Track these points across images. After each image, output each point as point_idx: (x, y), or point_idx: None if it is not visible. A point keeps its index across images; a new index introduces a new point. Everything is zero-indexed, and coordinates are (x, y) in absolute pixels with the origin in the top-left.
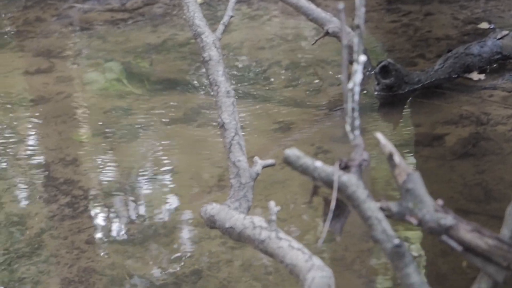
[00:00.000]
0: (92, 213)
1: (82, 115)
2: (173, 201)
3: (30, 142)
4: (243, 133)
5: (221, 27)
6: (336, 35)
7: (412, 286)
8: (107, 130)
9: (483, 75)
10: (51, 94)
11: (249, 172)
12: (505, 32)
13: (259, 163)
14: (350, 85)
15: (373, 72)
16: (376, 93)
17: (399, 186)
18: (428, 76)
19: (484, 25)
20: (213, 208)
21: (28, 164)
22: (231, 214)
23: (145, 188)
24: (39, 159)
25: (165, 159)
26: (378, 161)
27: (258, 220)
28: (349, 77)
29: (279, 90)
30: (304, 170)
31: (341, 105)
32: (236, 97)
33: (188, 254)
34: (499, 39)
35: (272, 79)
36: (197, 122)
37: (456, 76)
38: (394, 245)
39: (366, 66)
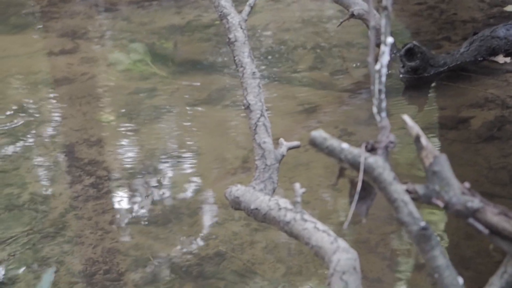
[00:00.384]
0: (116, 194)
1: (106, 96)
2: (197, 183)
3: (55, 123)
4: (268, 115)
5: (247, 9)
6: (361, 17)
7: (437, 268)
8: (131, 111)
9: (509, 58)
10: (75, 75)
11: (275, 153)
12: None
13: (284, 144)
14: (377, 67)
15: (398, 55)
16: (401, 75)
17: (426, 169)
18: (454, 59)
19: (510, 8)
20: (238, 190)
21: (53, 144)
22: (256, 196)
23: (169, 170)
24: (63, 139)
25: (189, 141)
26: (401, 144)
27: (283, 202)
28: (376, 59)
29: (303, 72)
30: (330, 152)
31: (367, 87)
32: (261, 78)
33: (212, 236)
34: None
35: (297, 61)
36: (221, 103)
37: (481, 59)
38: (420, 227)
39: (391, 48)
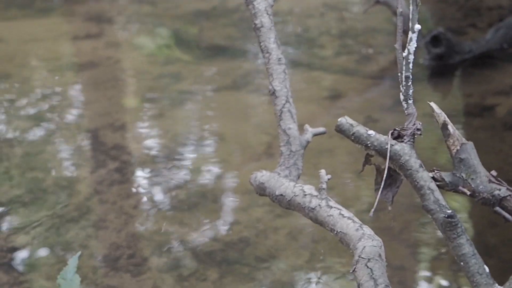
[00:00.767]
0: (141, 178)
1: (131, 80)
2: (220, 168)
3: (79, 107)
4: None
5: None
6: (386, 4)
7: (463, 256)
8: (155, 95)
9: None
10: (100, 59)
11: (300, 140)
12: None
13: (310, 131)
14: (404, 53)
15: (424, 42)
16: (426, 62)
17: (452, 156)
18: (479, 46)
19: None
20: (263, 176)
21: (77, 129)
22: (281, 182)
23: (193, 155)
24: (88, 124)
25: (213, 126)
26: (424, 131)
27: (308, 188)
28: (403, 46)
29: (328, 58)
30: (357, 139)
31: (392, 74)
32: (286, 65)
33: (235, 221)
34: None
35: (322, 47)
36: (246, 89)
37: (507, 46)
38: (446, 215)
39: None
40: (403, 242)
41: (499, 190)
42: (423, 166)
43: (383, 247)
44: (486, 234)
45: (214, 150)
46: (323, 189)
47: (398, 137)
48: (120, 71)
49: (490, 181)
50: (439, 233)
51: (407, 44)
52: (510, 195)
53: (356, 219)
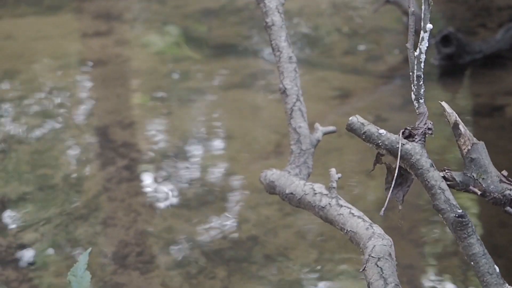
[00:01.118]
0: (149, 176)
1: (140, 78)
2: (230, 166)
3: (88, 105)
4: None
5: None
6: (396, 3)
7: (474, 256)
8: (164, 93)
9: None
10: (109, 56)
11: (310, 138)
12: None
13: (320, 129)
14: (416, 53)
15: (434, 41)
16: (436, 62)
17: (463, 156)
18: (489, 46)
19: None
20: (273, 174)
21: (86, 126)
22: (291, 180)
23: (201, 153)
24: (97, 121)
25: (221, 124)
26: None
27: (319, 187)
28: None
29: (337, 57)
30: (368, 138)
31: (401, 73)
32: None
33: (244, 220)
34: None
35: (331, 46)
36: (254, 87)
37: None
38: (457, 215)
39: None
40: (412, 241)
41: (510, 190)
42: (434, 165)
43: (393, 246)
44: (496, 234)
45: (223, 148)
46: (333, 187)
47: (409, 136)
48: (129, 69)
49: (501, 181)
50: (448, 232)
51: (419, 43)
52: None
53: (366, 218)
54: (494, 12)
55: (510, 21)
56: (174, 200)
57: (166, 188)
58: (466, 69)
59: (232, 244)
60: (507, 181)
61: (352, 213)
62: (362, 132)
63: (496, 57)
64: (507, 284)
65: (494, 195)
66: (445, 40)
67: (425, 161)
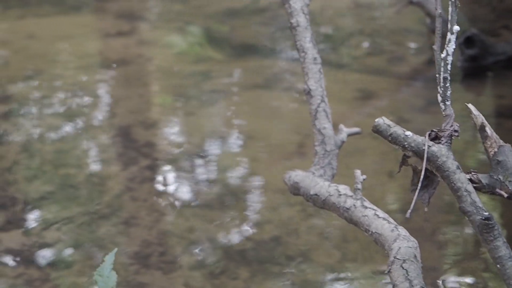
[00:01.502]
0: (172, 176)
1: (162, 78)
2: (251, 167)
3: (111, 104)
4: None
5: None
6: (419, 4)
7: (500, 259)
8: (187, 93)
9: None
10: (131, 56)
11: (335, 139)
12: None
13: (345, 131)
14: (442, 55)
15: (457, 43)
16: (459, 63)
17: (490, 158)
18: None
19: None
20: (297, 175)
21: (109, 126)
22: (316, 181)
23: (223, 153)
24: (119, 121)
25: (244, 125)
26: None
27: (343, 188)
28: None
29: (360, 58)
30: (394, 139)
31: (423, 74)
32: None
33: (267, 220)
34: None
35: (353, 47)
36: (277, 88)
37: None
38: (483, 217)
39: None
40: (436, 243)
41: None
42: (460, 167)
43: (418, 248)
44: None
45: (245, 149)
46: (359, 189)
47: (435, 138)
48: (151, 69)
49: None
50: (473, 235)
51: (446, 45)
52: None
53: (391, 220)
54: None
55: None
56: (196, 201)
57: (188, 188)
58: (489, 70)
59: (254, 245)
60: None
61: (377, 215)
62: (388, 134)
63: None
64: None
65: None
66: (469, 41)
67: (451, 163)
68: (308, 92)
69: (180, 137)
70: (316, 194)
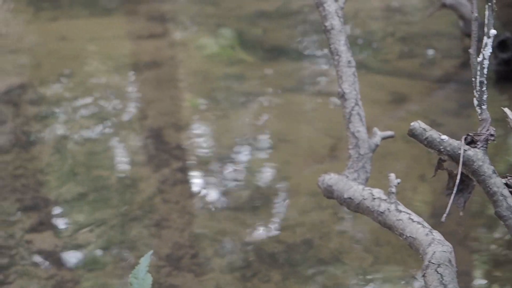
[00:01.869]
0: (204, 178)
1: (194, 80)
2: (283, 170)
3: (143, 106)
4: None
5: None
6: (452, 7)
7: None
8: (218, 96)
9: None
10: (163, 59)
11: (368, 143)
12: None
13: (379, 134)
14: (479, 58)
15: None
16: (492, 67)
17: None
18: None
19: None
20: (331, 178)
21: (140, 128)
22: (350, 185)
23: (255, 156)
24: (151, 123)
25: (276, 127)
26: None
27: (377, 192)
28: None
29: (392, 61)
30: (429, 143)
31: (456, 78)
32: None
33: (299, 223)
34: None
35: (386, 50)
36: (308, 91)
37: None
38: None
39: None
40: (468, 248)
41: None
42: (496, 172)
43: (453, 253)
44: None
45: (277, 152)
46: (393, 193)
47: (471, 142)
48: (182, 71)
49: None
50: (507, 239)
51: (482, 49)
52: None
53: (425, 224)
54: None
55: None
56: (228, 203)
57: (219, 191)
58: None
59: (286, 248)
60: None
61: (412, 219)
62: (424, 137)
63: None
64: None
65: None
66: (502, 45)
67: (487, 168)
68: (342, 95)
69: (211, 139)
70: (350, 198)
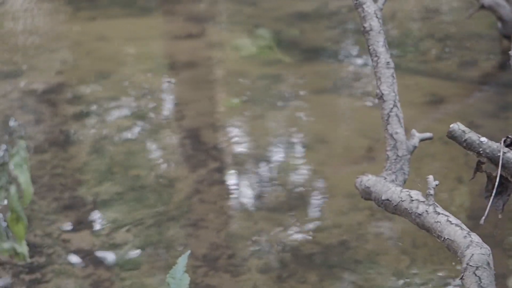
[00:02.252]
0: (241, 179)
1: (231, 81)
2: (320, 171)
3: (180, 106)
4: None
5: None
6: (491, 9)
7: None
8: (256, 96)
9: None
10: (200, 59)
11: (407, 144)
12: None
13: (417, 136)
14: None
15: None
16: None
17: None
18: None
19: None
20: (369, 180)
21: (178, 128)
22: (388, 187)
23: (291, 156)
24: (189, 123)
25: (313, 128)
26: None
27: (415, 194)
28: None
29: (430, 62)
30: (468, 145)
31: (495, 79)
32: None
33: (336, 224)
34: None
35: (423, 51)
36: (345, 92)
37: None
38: None
39: None
40: (506, 250)
41: None
42: None
43: (491, 255)
44: None
45: (313, 152)
46: (431, 195)
47: (510, 144)
48: (220, 71)
49: None
50: None
51: None
52: None
53: (464, 226)
54: None
55: None
56: (265, 204)
57: (256, 192)
58: None
59: (323, 249)
60: None
61: (450, 221)
62: (463, 139)
63: None
64: None
65: None
66: None
67: None
68: (380, 97)
69: (248, 140)
70: (388, 199)
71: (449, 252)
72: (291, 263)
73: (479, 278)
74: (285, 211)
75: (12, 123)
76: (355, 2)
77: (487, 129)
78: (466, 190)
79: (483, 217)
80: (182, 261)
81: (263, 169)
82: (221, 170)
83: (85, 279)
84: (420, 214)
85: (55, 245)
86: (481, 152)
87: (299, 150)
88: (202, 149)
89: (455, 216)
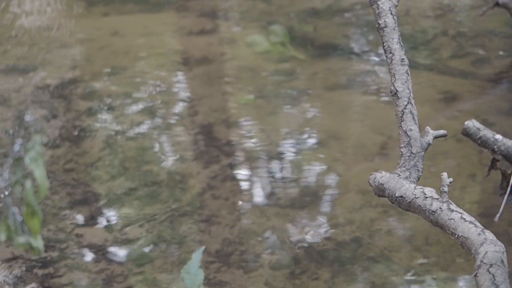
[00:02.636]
0: (254, 175)
1: (244, 77)
2: (333, 167)
3: (193, 102)
4: None
5: None
6: (506, 6)
7: None
8: (269, 93)
9: None
10: (214, 55)
11: (420, 141)
12: None
13: (431, 133)
14: None
15: None
16: None
17: None
18: None
19: None
20: (382, 177)
21: (191, 124)
22: (401, 183)
23: (304, 153)
24: (202, 119)
25: (326, 124)
26: None
27: (429, 191)
28: None
29: (444, 59)
30: (483, 143)
31: (509, 77)
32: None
33: (348, 221)
34: None
35: (437, 49)
36: (360, 88)
37: None
38: None
39: None
40: None
41: None
42: None
43: (505, 253)
44: None
45: (326, 149)
46: (445, 192)
47: None
48: (233, 67)
49: None
50: None
51: None
52: None
53: (477, 224)
54: None
55: None
56: (278, 200)
57: (269, 188)
58: None
59: (336, 245)
60: None
61: (464, 218)
62: (478, 137)
63: None
64: None
65: None
66: None
67: None
68: (394, 94)
69: (261, 136)
70: (401, 196)
71: (463, 249)
72: (303, 259)
73: (493, 275)
74: (298, 207)
75: (27, 117)
76: None
77: (501, 127)
78: (480, 187)
79: (498, 215)
80: (197, 257)
81: (276, 165)
82: (233, 166)
83: (98, 274)
84: (434, 211)
85: (68, 240)
86: (495, 149)
87: (311, 146)
88: (215, 145)
89: (468, 213)
